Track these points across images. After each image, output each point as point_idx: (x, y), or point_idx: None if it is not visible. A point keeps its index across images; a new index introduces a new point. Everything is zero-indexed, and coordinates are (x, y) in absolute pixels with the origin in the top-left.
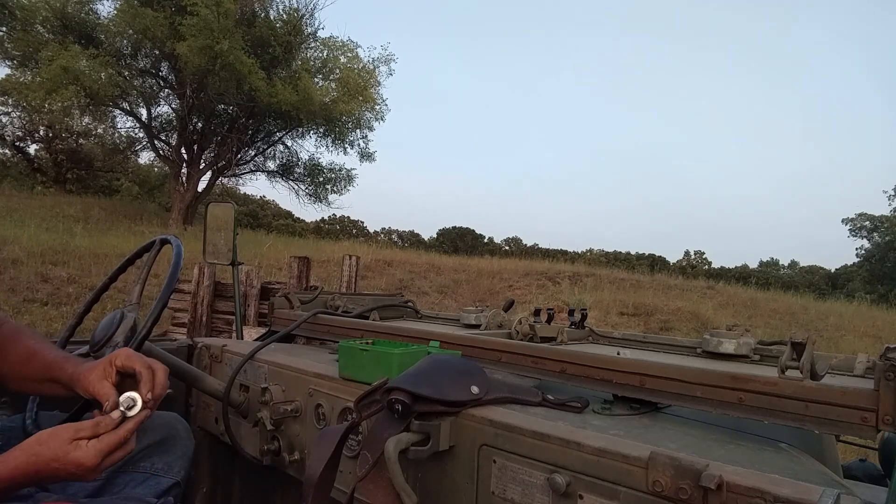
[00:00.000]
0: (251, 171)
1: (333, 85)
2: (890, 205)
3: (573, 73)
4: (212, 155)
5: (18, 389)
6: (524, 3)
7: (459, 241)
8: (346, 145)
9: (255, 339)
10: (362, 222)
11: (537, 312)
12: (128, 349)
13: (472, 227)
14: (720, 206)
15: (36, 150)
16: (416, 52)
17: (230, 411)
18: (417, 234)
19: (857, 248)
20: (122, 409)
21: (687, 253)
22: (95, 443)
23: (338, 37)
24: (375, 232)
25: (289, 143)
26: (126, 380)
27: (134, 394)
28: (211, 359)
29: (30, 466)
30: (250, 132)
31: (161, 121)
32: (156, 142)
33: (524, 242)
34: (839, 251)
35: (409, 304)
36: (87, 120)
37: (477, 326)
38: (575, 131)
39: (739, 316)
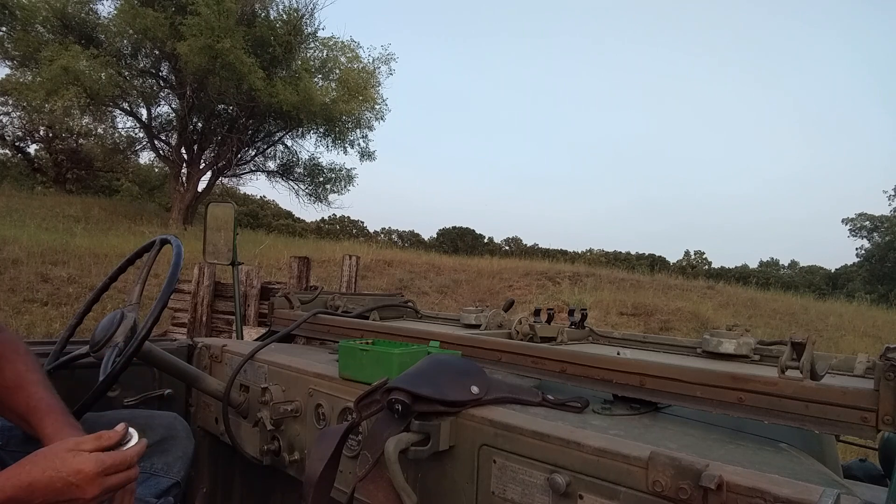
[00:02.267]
0: (251, 171)
1: (333, 85)
2: (890, 205)
3: (573, 74)
4: (212, 155)
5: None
6: (524, 4)
7: (459, 241)
8: (346, 145)
9: (255, 339)
10: (362, 222)
11: (537, 312)
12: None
13: (472, 227)
14: (720, 206)
15: (36, 150)
16: (416, 51)
17: (230, 411)
18: (417, 234)
19: (857, 248)
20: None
21: (687, 253)
22: (98, 454)
23: (338, 37)
24: (375, 232)
25: (289, 143)
26: None
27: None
28: (211, 359)
29: (23, 476)
30: (250, 132)
31: (161, 121)
32: (156, 142)
33: (524, 242)
34: (839, 251)
35: (409, 304)
36: (87, 120)
37: (477, 326)
38: (575, 131)
39: (739, 316)
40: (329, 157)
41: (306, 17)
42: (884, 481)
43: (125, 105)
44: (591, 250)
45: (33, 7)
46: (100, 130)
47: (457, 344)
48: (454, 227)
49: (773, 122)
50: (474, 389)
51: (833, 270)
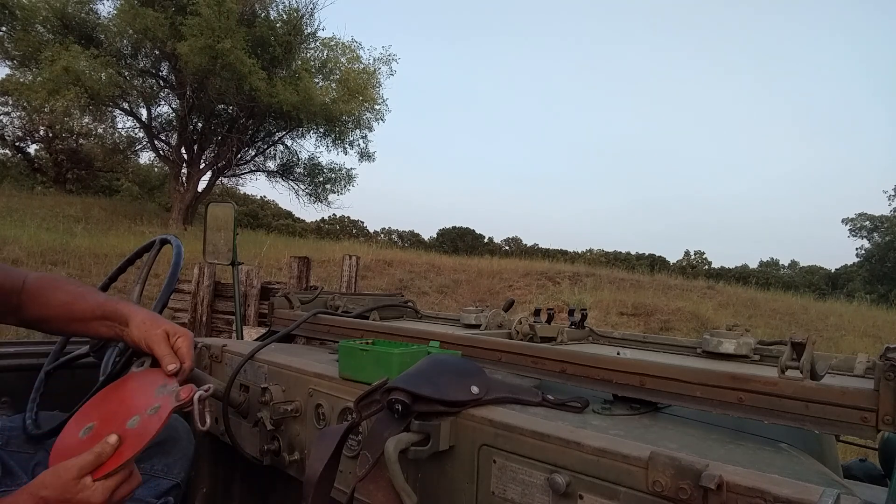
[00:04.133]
0: (251, 171)
1: (334, 85)
2: (890, 205)
3: (573, 73)
4: (212, 155)
5: (62, 330)
6: (524, 5)
7: (459, 241)
8: (346, 145)
9: (255, 339)
10: (362, 222)
11: (537, 312)
12: (191, 335)
13: (472, 227)
14: (720, 206)
15: (36, 150)
16: (417, 51)
17: (230, 411)
18: (417, 234)
19: (857, 248)
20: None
21: (687, 253)
22: (102, 482)
23: (339, 37)
24: (375, 232)
25: (289, 143)
26: None
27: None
28: (211, 359)
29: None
30: (250, 132)
31: (161, 121)
32: (156, 142)
33: (524, 242)
34: (839, 251)
35: (409, 304)
36: (87, 120)
37: (477, 326)
38: (575, 131)
39: (739, 316)
40: (329, 157)
41: (306, 17)
42: (884, 481)
43: (125, 105)
44: (591, 250)
45: (33, 7)
46: (100, 130)
47: (457, 344)
48: (454, 227)
49: (773, 121)
50: (474, 389)
51: (833, 270)
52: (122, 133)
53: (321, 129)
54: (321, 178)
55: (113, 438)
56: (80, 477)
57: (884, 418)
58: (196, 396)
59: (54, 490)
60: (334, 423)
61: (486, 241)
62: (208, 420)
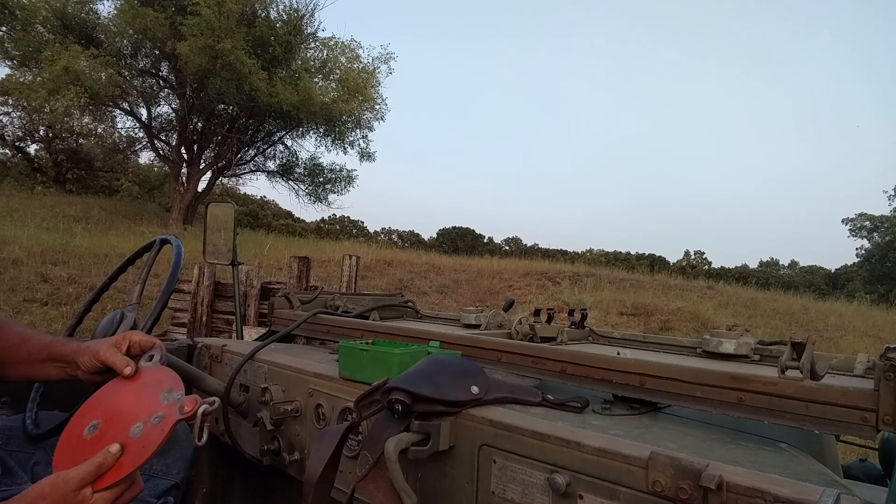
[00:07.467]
0: (251, 171)
1: (333, 85)
2: (890, 205)
3: (572, 74)
4: (212, 155)
5: (7, 374)
6: (523, 5)
7: (459, 241)
8: (346, 145)
9: (255, 339)
10: (362, 222)
11: (537, 312)
12: (140, 331)
13: (472, 227)
14: (720, 205)
15: (36, 150)
16: (416, 51)
17: (230, 411)
18: (417, 234)
19: (857, 248)
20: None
21: (687, 253)
22: (102, 493)
23: (339, 37)
24: (375, 232)
25: (289, 143)
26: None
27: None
28: (211, 359)
29: None
30: (250, 132)
31: (161, 121)
32: (156, 142)
33: (524, 242)
34: (839, 251)
35: (409, 304)
36: (87, 120)
37: (477, 326)
38: (574, 131)
39: (739, 316)
40: (329, 157)
41: (306, 17)
42: (884, 481)
43: (125, 105)
44: (591, 250)
45: (33, 7)
46: (100, 130)
47: (457, 344)
48: (454, 227)
49: (774, 121)
50: (474, 389)
51: (833, 270)
52: (122, 133)
53: (321, 129)
54: (321, 179)
55: (115, 447)
56: (80, 488)
57: (884, 418)
58: (200, 410)
59: (52, 501)
60: (334, 423)
61: (486, 241)
62: (205, 436)
